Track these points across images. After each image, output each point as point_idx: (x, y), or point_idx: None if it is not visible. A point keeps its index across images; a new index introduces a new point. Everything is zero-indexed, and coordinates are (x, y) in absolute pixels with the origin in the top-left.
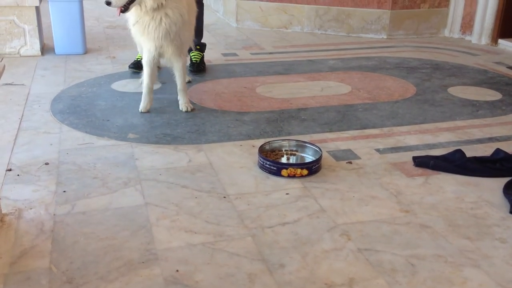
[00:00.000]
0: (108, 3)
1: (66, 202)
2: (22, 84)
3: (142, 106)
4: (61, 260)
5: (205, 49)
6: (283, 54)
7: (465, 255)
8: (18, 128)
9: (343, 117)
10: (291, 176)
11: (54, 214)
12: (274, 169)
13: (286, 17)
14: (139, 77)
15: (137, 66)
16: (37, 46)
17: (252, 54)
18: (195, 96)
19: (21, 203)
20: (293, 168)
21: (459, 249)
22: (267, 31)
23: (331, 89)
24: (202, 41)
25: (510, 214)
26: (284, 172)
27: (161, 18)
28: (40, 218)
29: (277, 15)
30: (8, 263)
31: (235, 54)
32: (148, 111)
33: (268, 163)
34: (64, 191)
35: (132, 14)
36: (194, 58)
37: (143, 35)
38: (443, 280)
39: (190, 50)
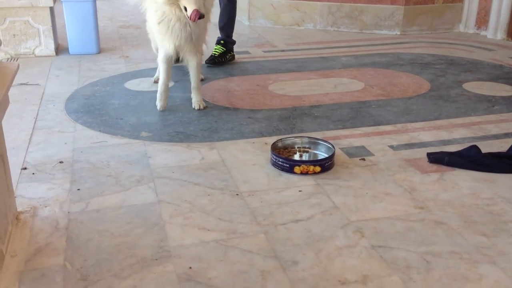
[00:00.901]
0: (202, 16)
1: (80, 200)
2: (37, 84)
3: (159, 104)
4: (75, 258)
5: (230, 46)
6: (295, 51)
7: (481, 251)
8: (33, 127)
9: (356, 113)
10: (304, 173)
11: (68, 212)
12: (287, 166)
13: (299, 14)
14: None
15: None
16: (52, 46)
17: (264, 51)
18: (207, 94)
19: (36, 201)
20: (306, 165)
21: (475, 246)
22: (279, 29)
23: (344, 86)
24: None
25: None
26: (297, 169)
27: (186, 20)
28: (55, 216)
29: (289, 13)
30: (23, 261)
31: (247, 52)
32: (165, 109)
33: (280, 160)
34: (78, 189)
35: (156, 12)
36: (214, 51)
37: (166, 34)
38: (458, 277)
39: (217, 43)
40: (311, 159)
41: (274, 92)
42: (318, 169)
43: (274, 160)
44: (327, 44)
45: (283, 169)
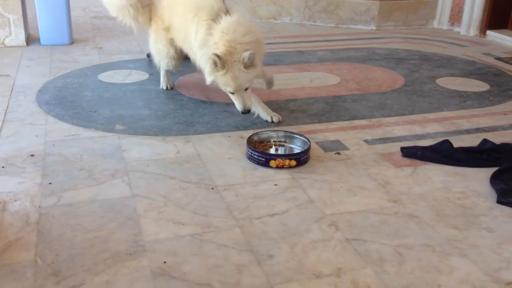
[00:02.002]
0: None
1: (52, 194)
2: (7, 75)
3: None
4: (46, 253)
5: None
6: (272, 45)
7: (452, 244)
8: (3, 120)
9: (331, 108)
10: (280, 167)
11: (39, 206)
12: (263, 160)
13: (275, 8)
14: (131, 68)
15: None
16: (22, 36)
17: None
18: (183, 88)
19: (5, 195)
20: (281, 159)
21: (447, 239)
22: (256, 22)
23: (320, 80)
24: None
25: (497, 204)
26: (272, 163)
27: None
28: (25, 210)
29: (266, 6)
30: None
31: None
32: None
33: (256, 154)
34: (50, 183)
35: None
36: None
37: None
38: (430, 269)
39: None
40: (287, 153)
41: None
42: (293, 163)
43: (250, 154)
44: (304, 38)
45: (258, 163)
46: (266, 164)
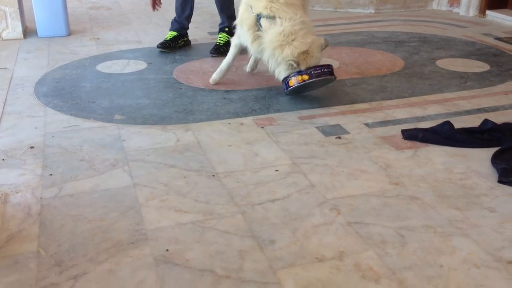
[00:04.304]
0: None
1: (52, 185)
2: (5, 68)
3: (216, 76)
4: (49, 243)
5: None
6: None
7: (454, 225)
8: (2, 112)
9: (331, 92)
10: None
11: (41, 198)
12: (329, 71)
13: None
14: (129, 58)
15: (166, 46)
16: (19, 29)
17: None
18: (181, 76)
19: (7, 188)
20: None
21: (448, 219)
22: None
23: None
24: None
25: (498, 184)
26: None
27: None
28: (27, 202)
29: None
30: None
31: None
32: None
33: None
34: (51, 174)
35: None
36: (218, 40)
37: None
38: (432, 250)
39: (220, 31)
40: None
41: (249, 72)
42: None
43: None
44: None
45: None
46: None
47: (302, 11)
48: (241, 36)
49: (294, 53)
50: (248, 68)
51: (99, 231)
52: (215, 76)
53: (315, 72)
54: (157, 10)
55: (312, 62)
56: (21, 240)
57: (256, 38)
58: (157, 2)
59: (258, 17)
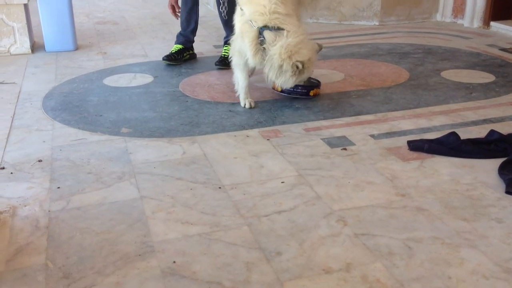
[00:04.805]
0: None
1: (60, 198)
2: (13, 83)
3: (246, 100)
4: (57, 256)
5: None
6: None
7: (461, 236)
8: (10, 127)
9: (337, 104)
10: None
11: (49, 211)
12: (305, 91)
13: None
14: (135, 71)
15: (171, 58)
16: (27, 44)
17: None
18: (187, 89)
19: (15, 201)
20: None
21: (456, 231)
22: None
23: (324, 77)
24: None
25: (505, 194)
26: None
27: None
28: (35, 215)
29: None
30: (4, 261)
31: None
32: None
33: (300, 87)
34: (58, 187)
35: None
36: (224, 52)
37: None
38: (440, 262)
39: (225, 43)
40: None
41: (255, 85)
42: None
43: (292, 89)
44: None
45: (301, 94)
46: (307, 94)
47: (296, 19)
48: (241, 50)
49: (305, 59)
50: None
51: (107, 244)
52: (245, 101)
53: (287, 90)
54: (178, 16)
55: (311, 67)
56: (29, 253)
57: (259, 50)
58: (176, 9)
59: (262, 29)
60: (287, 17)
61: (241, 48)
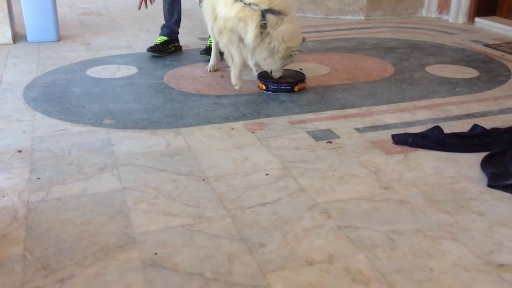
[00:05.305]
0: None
1: (40, 189)
2: None
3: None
4: (35, 247)
5: None
6: None
7: (444, 228)
8: None
9: (322, 97)
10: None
11: (27, 201)
12: (289, 88)
13: None
14: (119, 63)
15: (155, 50)
16: (9, 34)
17: None
18: (172, 81)
19: None
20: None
21: (438, 223)
22: None
23: (310, 71)
24: None
25: (487, 188)
26: (296, 88)
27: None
28: (13, 205)
29: None
30: None
31: None
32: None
33: (284, 85)
34: (38, 178)
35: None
36: (209, 42)
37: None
38: (422, 254)
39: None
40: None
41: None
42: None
43: (276, 86)
44: None
45: (286, 91)
46: (292, 90)
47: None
48: (234, 29)
49: (298, 46)
50: (210, 68)
51: (87, 235)
52: (238, 81)
53: (272, 87)
54: (146, 8)
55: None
56: (7, 243)
57: (260, 34)
58: (145, 1)
59: (265, 12)
60: (288, 2)
61: (236, 28)
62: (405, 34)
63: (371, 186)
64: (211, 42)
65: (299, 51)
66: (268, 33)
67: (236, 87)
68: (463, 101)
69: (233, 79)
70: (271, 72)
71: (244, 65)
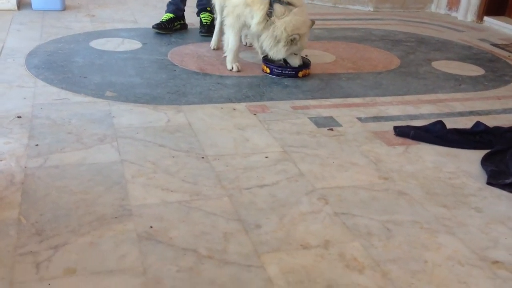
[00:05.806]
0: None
1: (38, 155)
2: None
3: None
4: (31, 212)
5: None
6: None
7: (441, 222)
8: None
9: (326, 85)
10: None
11: (25, 167)
12: (293, 73)
13: None
14: (124, 37)
15: (161, 27)
16: (14, 0)
17: None
18: (176, 58)
19: None
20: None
21: (435, 216)
22: None
23: (315, 58)
24: None
25: (487, 185)
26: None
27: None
28: (11, 170)
29: None
30: None
31: None
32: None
33: (288, 69)
34: (37, 145)
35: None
36: (204, 20)
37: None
38: (418, 245)
39: (201, 11)
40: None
41: (245, 60)
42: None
43: (280, 70)
44: None
45: (290, 76)
46: (296, 75)
47: None
48: (240, 15)
49: (301, 33)
50: (214, 45)
51: (83, 204)
52: (233, 64)
53: (276, 71)
54: None
55: (304, 41)
56: (2, 207)
57: (264, 20)
58: None
59: (273, 1)
60: None
61: (242, 14)
62: (413, 28)
63: (370, 175)
64: (206, 20)
65: (298, 35)
66: (273, 22)
67: (234, 70)
68: (467, 98)
69: (228, 64)
70: (286, 62)
71: (250, 48)
